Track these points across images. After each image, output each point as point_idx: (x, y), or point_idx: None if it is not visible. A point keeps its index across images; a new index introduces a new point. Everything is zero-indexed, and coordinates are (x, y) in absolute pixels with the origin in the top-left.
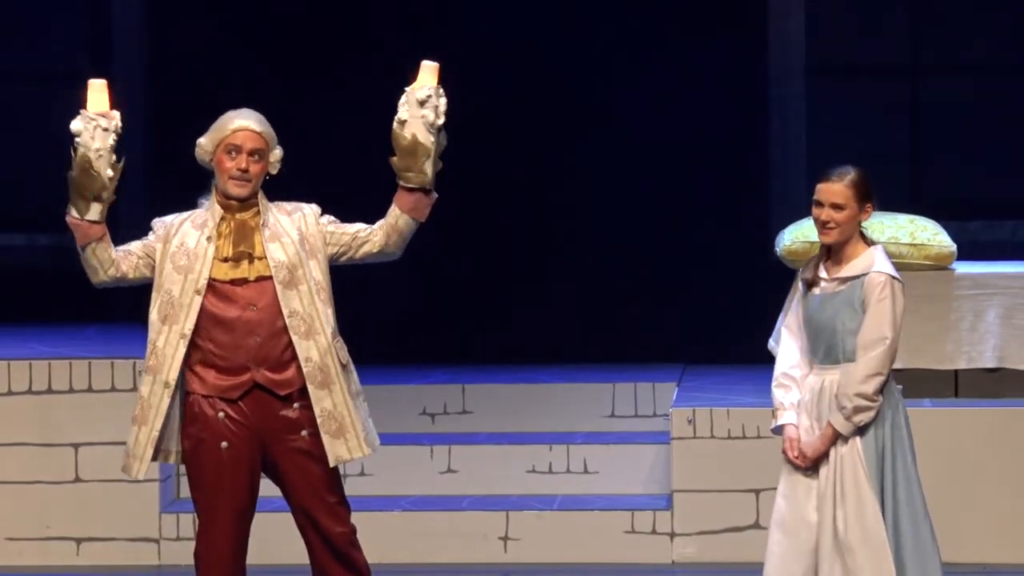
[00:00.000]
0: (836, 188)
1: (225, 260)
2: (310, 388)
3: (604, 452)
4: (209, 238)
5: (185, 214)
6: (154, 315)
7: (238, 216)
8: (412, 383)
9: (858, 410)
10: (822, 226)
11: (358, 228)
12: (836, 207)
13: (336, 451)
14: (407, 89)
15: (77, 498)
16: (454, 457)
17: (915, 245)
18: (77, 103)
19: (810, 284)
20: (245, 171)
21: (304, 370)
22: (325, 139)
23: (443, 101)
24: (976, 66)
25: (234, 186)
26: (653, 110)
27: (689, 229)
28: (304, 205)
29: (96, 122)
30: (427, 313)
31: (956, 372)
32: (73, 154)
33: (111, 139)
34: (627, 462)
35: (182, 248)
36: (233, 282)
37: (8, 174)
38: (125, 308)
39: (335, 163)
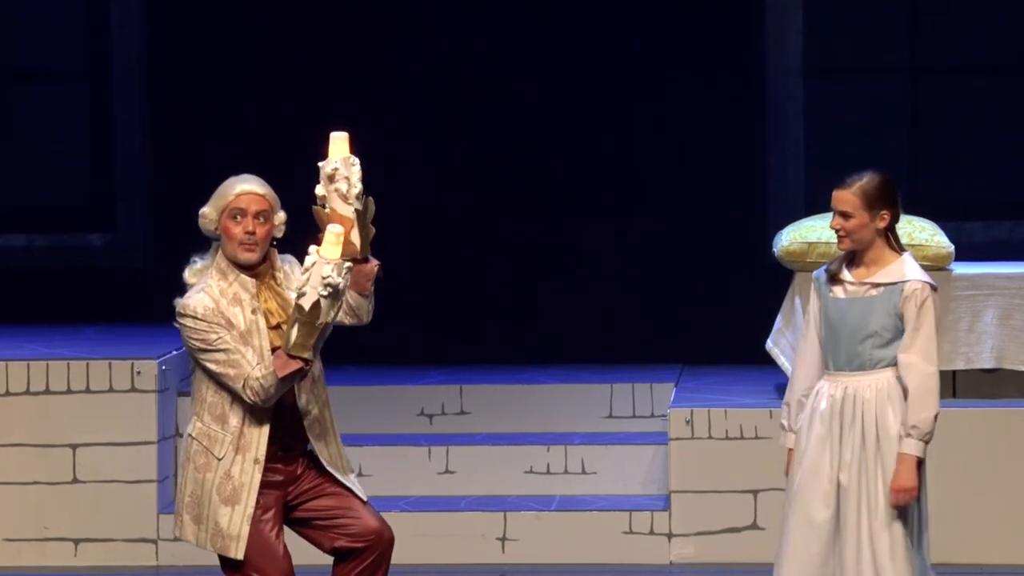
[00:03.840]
0: (843, 195)
1: (273, 327)
2: (311, 439)
3: (602, 453)
4: (255, 311)
5: (209, 298)
6: (225, 393)
7: (268, 282)
8: (410, 384)
9: (927, 432)
10: (835, 233)
11: None
12: (844, 215)
13: (346, 484)
14: (320, 164)
15: (75, 499)
16: (452, 458)
17: (912, 245)
18: (75, 102)
19: (832, 280)
20: (252, 233)
21: (305, 423)
22: (325, 139)
23: (355, 170)
24: (974, 66)
25: (243, 251)
26: (650, 110)
27: (686, 230)
28: (292, 259)
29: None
30: (424, 314)
31: (954, 373)
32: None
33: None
34: (625, 463)
35: (236, 330)
36: (276, 348)
37: (6, 174)
38: (123, 309)
39: None
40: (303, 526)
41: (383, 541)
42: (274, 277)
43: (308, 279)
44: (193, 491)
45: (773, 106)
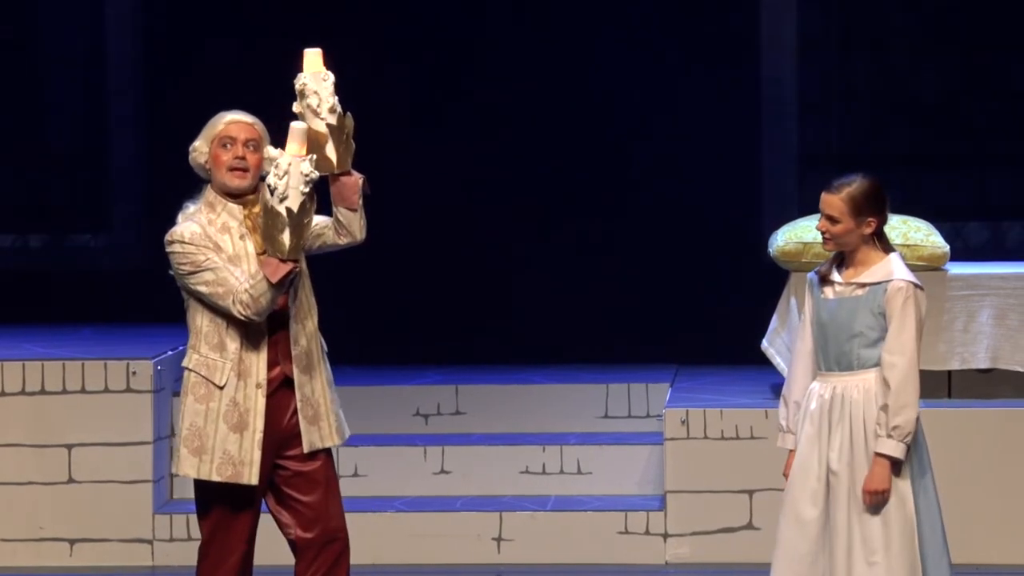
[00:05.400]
0: (830, 200)
1: (260, 254)
2: (295, 372)
3: (597, 453)
4: (243, 236)
5: (196, 225)
6: (220, 319)
7: (254, 211)
8: (406, 384)
9: (908, 432)
10: (821, 235)
11: (315, 222)
12: (831, 219)
13: (310, 438)
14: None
15: (70, 499)
16: (448, 458)
17: (908, 246)
18: (72, 102)
19: (823, 281)
20: (242, 159)
21: (292, 353)
22: None
23: (327, 84)
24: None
25: (233, 177)
26: (648, 111)
27: (682, 230)
28: None
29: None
30: (420, 314)
31: (949, 373)
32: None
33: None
34: (620, 463)
35: (225, 256)
36: None
37: (3, 174)
38: (119, 310)
39: None
40: (278, 500)
41: (340, 541)
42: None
43: (288, 181)
44: (193, 423)
45: (769, 106)
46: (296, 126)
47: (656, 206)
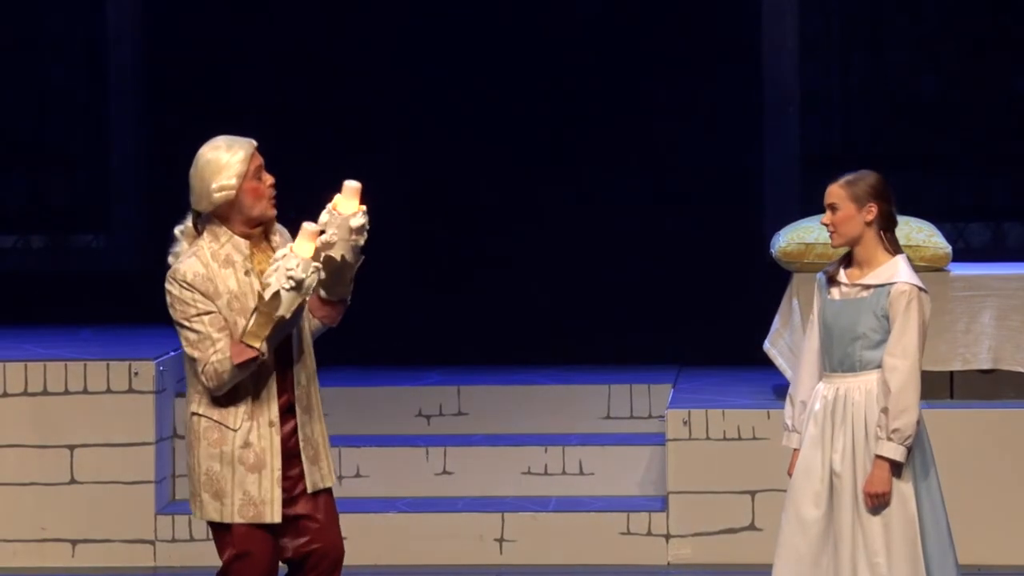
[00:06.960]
0: (831, 189)
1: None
2: (298, 411)
3: (600, 454)
4: (247, 272)
5: (200, 263)
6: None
7: (262, 245)
8: (408, 384)
9: (908, 435)
10: (827, 230)
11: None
12: (832, 208)
13: (312, 478)
14: (334, 210)
15: (72, 500)
16: (450, 459)
17: (910, 247)
18: (71, 103)
19: (830, 282)
20: (273, 185)
21: (295, 392)
22: (326, 134)
23: (367, 219)
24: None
25: (271, 206)
26: (645, 110)
27: (684, 230)
28: (284, 229)
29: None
30: (422, 315)
31: (951, 373)
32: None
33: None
34: (623, 464)
35: (228, 293)
36: None
37: (2, 175)
38: (119, 310)
39: (335, 154)
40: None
41: (334, 552)
42: (268, 239)
43: (276, 270)
44: (209, 468)
45: (771, 106)
46: (308, 227)
47: (657, 207)
